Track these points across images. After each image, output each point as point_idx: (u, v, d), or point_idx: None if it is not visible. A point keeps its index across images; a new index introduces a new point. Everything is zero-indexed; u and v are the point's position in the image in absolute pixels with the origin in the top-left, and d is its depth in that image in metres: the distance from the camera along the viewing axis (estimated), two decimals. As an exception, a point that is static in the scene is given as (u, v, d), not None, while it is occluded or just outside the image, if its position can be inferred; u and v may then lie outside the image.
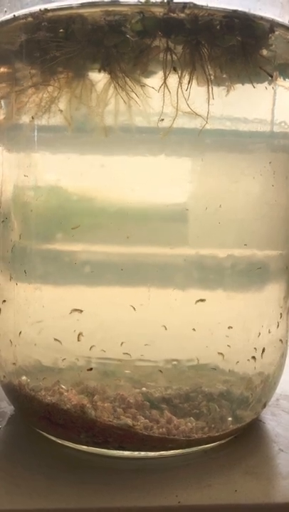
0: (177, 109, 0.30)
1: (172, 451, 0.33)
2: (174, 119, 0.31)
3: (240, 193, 0.33)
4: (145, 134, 0.31)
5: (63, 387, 0.33)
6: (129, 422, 0.32)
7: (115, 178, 0.32)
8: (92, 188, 0.32)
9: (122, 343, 0.32)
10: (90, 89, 0.31)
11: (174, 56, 0.30)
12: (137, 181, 0.32)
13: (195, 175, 0.33)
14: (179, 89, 0.30)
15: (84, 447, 0.33)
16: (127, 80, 0.31)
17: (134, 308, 0.32)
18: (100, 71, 0.31)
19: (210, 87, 0.31)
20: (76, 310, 0.32)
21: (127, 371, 0.33)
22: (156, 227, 0.32)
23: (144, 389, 0.34)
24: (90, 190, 0.33)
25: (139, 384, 0.34)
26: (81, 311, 0.32)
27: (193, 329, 0.33)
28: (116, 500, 0.29)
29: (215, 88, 0.31)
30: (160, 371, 0.33)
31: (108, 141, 0.31)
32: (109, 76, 0.31)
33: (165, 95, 0.30)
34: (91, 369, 0.32)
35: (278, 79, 0.34)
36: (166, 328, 0.32)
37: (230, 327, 0.33)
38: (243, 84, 0.32)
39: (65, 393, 0.33)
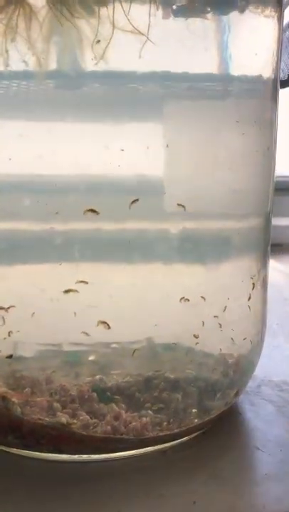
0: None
1: (122, 453, 0.27)
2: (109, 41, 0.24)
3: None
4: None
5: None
6: (64, 419, 0.26)
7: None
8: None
9: (59, 326, 0.27)
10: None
11: None
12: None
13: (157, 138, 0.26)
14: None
15: (14, 450, 0.28)
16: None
17: (84, 284, 0.26)
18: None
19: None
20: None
21: (85, 357, 0.28)
22: (112, 200, 0.26)
23: (97, 377, 0.28)
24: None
25: (90, 372, 0.28)
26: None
27: (155, 305, 0.28)
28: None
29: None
30: (119, 356, 0.28)
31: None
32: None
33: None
34: (11, 356, 0.26)
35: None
36: (122, 306, 0.27)
37: (187, 300, 0.27)
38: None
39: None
